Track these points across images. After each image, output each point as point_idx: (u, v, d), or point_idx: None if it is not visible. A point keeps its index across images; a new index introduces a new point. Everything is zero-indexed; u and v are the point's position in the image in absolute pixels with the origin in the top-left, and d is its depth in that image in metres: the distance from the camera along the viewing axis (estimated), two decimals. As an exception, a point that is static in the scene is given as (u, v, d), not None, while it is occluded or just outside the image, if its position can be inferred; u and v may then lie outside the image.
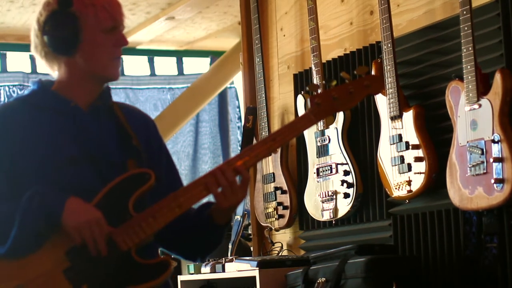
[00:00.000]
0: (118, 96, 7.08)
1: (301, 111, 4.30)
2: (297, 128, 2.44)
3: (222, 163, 2.41)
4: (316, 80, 4.19)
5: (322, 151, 4.17)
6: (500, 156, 3.21)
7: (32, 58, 6.83)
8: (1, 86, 6.86)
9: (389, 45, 3.69)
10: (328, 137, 4.14)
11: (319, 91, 2.44)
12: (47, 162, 2.37)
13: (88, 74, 2.46)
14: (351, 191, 4.04)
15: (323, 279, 3.63)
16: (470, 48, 3.29)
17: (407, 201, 3.74)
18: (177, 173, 2.63)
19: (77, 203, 2.30)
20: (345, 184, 4.05)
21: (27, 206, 2.28)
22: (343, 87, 2.44)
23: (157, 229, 2.35)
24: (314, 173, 4.21)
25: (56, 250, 2.30)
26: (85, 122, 2.45)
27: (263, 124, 4.59)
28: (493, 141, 3.24)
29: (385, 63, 3.69)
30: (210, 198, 2.47)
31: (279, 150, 4.44)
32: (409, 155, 3.64)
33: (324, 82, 2.45)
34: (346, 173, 4.05)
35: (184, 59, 7.59)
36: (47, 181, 2.35)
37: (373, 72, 3.74)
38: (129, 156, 2.45)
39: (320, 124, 4.15)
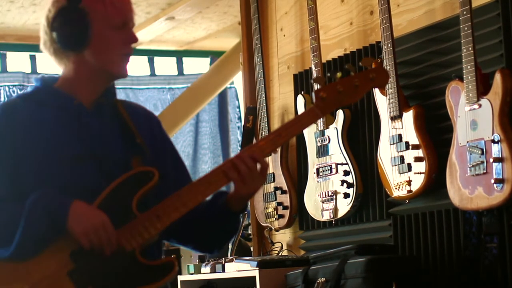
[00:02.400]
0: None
1: (301, 111, 4.29)
2: (303, 123, 2.41)
3: (233, 157, 2.38)
4: (316, 80, 4.19)
5: (322, 151, 4.17)
6: (500, 156, 3.21)
7: (32, 58, 6.82)
8: (1, 86, 6.84)
9: (389, 45, 3.69)
10: (328, 137, 4.14)
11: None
12: (49, 161, 2.35)
13: (96, 70, 2.43)
14: (351, 191, 4.04)
15: (323, 279, 3.63)
16: (470, 48, 3.29)
17: (407, 201, 3.74)
18: (185, 169, 2.60)
19: (82, 207, 2.28)
20: (345, 184, 4.05)
21: (31, 211, 2.26)
22: (348, 80, 2.40)
23: (162, 229, 2.33)
24: (314, 173, 4.21)
25: (60, 252, 2.29)
26: (88, 120, 2.43)
27: (263, 124, 4.59)
28: (493, 141, 3.24)
29: (385, 63, 3.69)
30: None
31: (279, 150, 4.44)
32: (409, 155, 3.64)
33: (329, 74, 2.41)
34: (346, 173, 4.05)
35: (184, 59, 7.59)
36: (50, 179, 2.33)
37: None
38: (133, 154, 2.42)
39: (320, 124, 4.15)
